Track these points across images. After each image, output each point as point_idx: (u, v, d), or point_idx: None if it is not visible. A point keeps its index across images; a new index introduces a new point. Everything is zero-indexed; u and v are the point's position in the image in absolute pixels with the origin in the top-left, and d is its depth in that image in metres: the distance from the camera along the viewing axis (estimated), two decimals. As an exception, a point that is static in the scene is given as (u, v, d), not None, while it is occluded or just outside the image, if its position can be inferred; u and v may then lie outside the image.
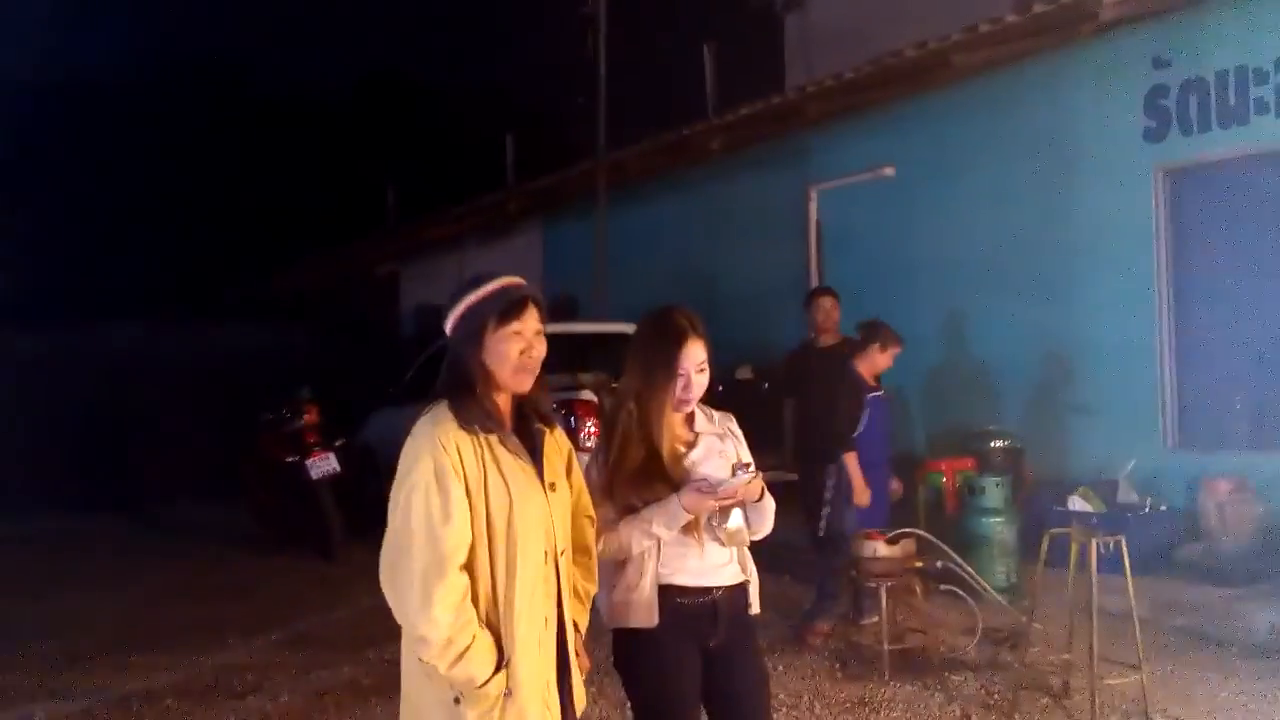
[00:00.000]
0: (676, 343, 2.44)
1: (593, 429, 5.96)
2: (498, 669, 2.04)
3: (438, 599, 1.97)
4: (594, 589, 2.39)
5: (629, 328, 2.62)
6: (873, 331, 5.57)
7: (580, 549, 2.34)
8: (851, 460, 5.33)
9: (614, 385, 2.64)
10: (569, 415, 6.06)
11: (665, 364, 2.44)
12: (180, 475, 11.37)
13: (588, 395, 6.25)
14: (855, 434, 5.41)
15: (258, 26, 19.72)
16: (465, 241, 14.81)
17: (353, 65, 21.04)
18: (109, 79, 18.95)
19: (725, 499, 2.38)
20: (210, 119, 20.22)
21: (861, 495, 5.34)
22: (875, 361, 5.55)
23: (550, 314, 2.21)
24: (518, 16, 17.66)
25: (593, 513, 2.38)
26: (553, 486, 2.17)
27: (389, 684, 2.23)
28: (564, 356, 6.01)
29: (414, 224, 16.06)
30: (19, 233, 17.93)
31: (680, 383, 2.45)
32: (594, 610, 2.48)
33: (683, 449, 2.50)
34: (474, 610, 2.03)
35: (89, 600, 7.04)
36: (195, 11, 19.97)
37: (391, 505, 2.06)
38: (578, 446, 5.91)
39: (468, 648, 2.00)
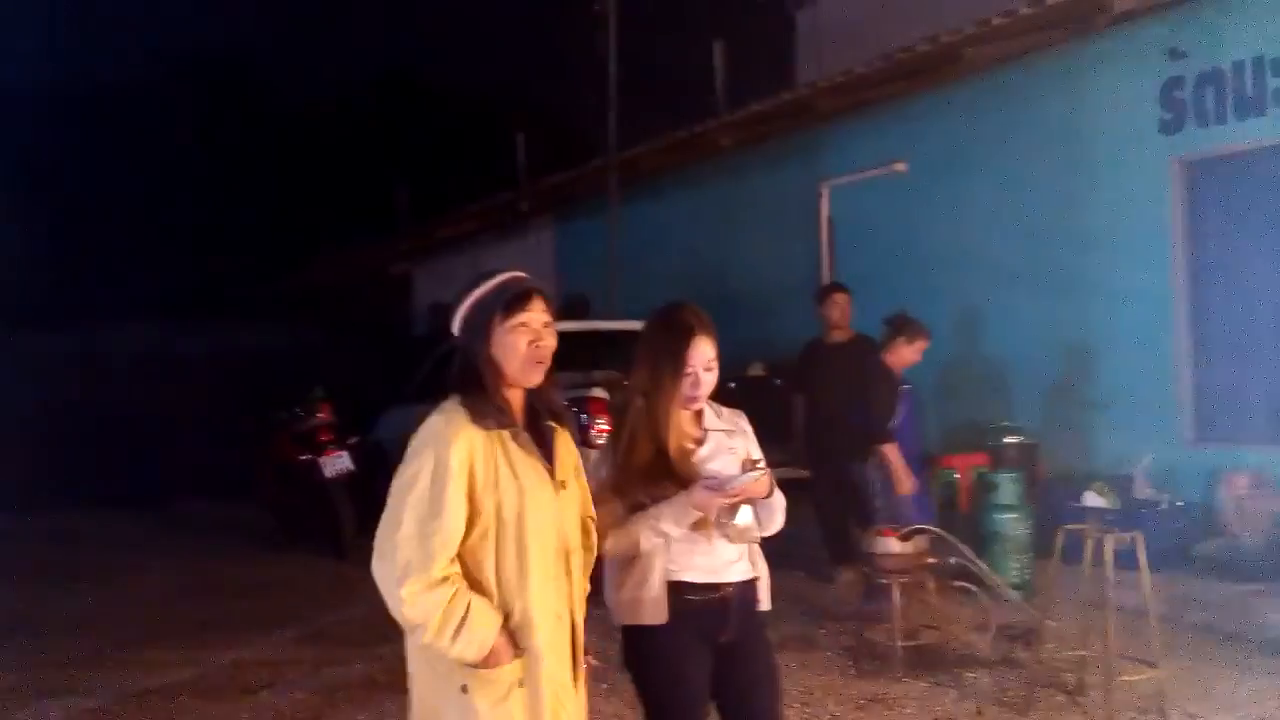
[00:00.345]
0: (684, 340, 2.44)
1: (604, 426, 5.95)
2: (513, 655, 2.04)
3: (420, 589, 1.98)
4: (588, 587, 2.39)
5: (641, 325, 2.63)
6: (899, 325, 5.57)
7: (580, 548, 2.33)
8: (893, 451, 5.36)
9: (625, 383, 2.67)
10: (581, 413, 6.05)
11: (673, 361, 2.43)
12: (195, 473, 11.44)
13: (600, 393, 6.24)
14: (891, 426, 5.44)
15: (271, 27, 19.77)
16: (478, 241, 14.84)
17: (364, 66, 21.06)
18: (122, 80, 19.05)
19: (734, 496, 2.37)
20: (224, 120, 20.31)
21: (906, 484, 5.37)
22: (902, 355, 5.56)
23: (563, 312, 2.22)
24: (528, 15, 17.67)
25: (593, 512, 2.38)
26: (563, 484, 2.18)
27: (402, 680, 2.23)
28: (576, 354, 5.99)
29: (426, 224, 16.11)
30: (36, 235, 18.06)
31: (688, 380, 2.44)
32: (605, 608, 2.49)
33: (691, 446, 2.49)
34: (460, 583, 2.02)
35: (104, 596, 7.10)
36: (208, 12, 20.04)
37: (393, 496, 2.07)
38: (589, 444, 5.91)
39: (464, 617, 1.99)
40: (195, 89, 20.19)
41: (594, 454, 2.57)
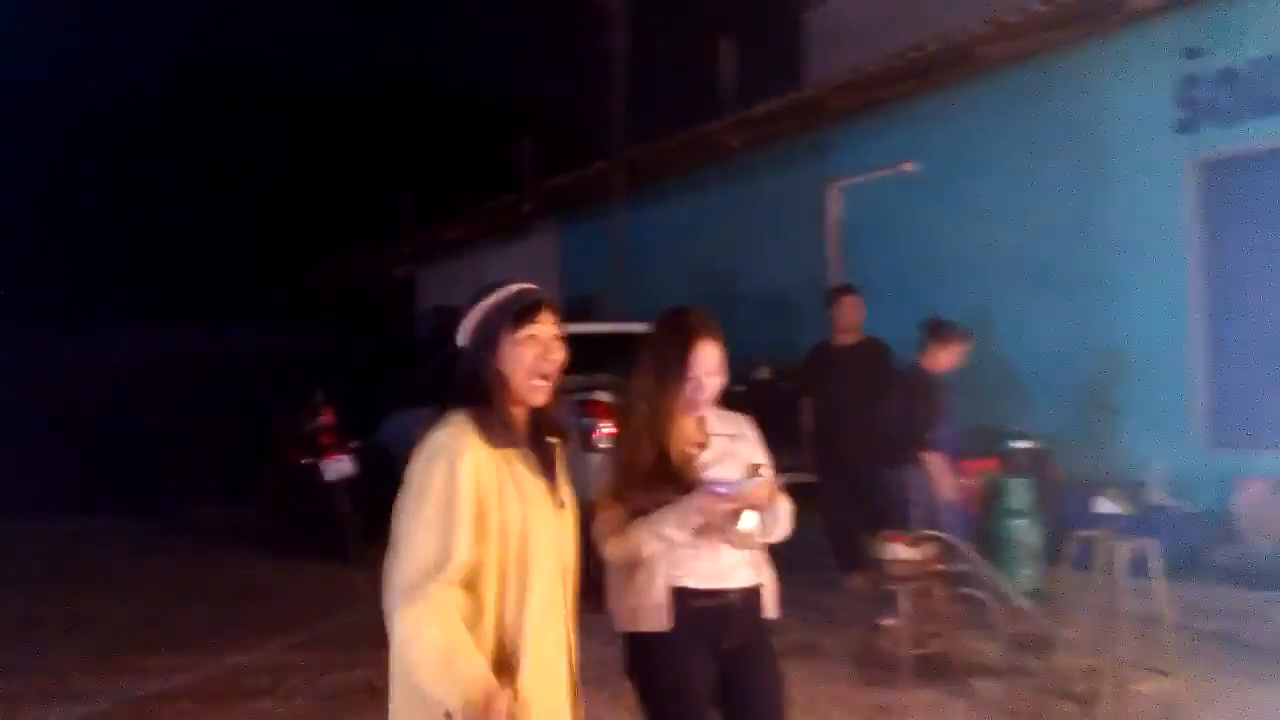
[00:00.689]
0: (688, 344, 2.43)
1: (606, 429, 5.89)
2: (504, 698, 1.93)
3: (418, 618, 1.90)
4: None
5: (646, 328, 2.62)
6: (933, 329, 5.53)
7: (577, 570, 2.27)
8: (934, 459, 5.28)
9: (628, 386, 2.67)
10: (583, 416, 5.99)
11: (677, 366, 2.43)
12: (197, 477, 11.41)
13: (602, 396, 6.18)
14: (935, 432, 5.36)
15: (273, 29, 19.79)
16: (481, 243, 14.81)
17: (366, 67, 21.05)
18: (126, 82, 19.08)
19: (736, 501, 2.35)
20: (225, 122, 20.33)
21: (949, 491, 5.29)
22: (937, 359, 5.49)
23: (566, 315, 2.17)
24: (533, 15, 17.65)
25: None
26: (562, 504, 2.12)
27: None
28: (579, 357, 5.94)
29: (429, 226, 16.09)
30: (40, 237, 18.11)
31: (691, 385, 2.44)
32: (607, 614, 2.45)
33: (694, 451, 2.47)
34: (459, 619, 1.93)
35: (106, 601, 7.06)
36: (210, 14, 20.08)
37: (398, 516, 1.98)
38: (590, 448, 5.85)
39: (455, 659, 1.89)
40: (198, 90, 20.21)
41: (596, 458, 2.52)
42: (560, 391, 2.13)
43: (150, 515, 10.71)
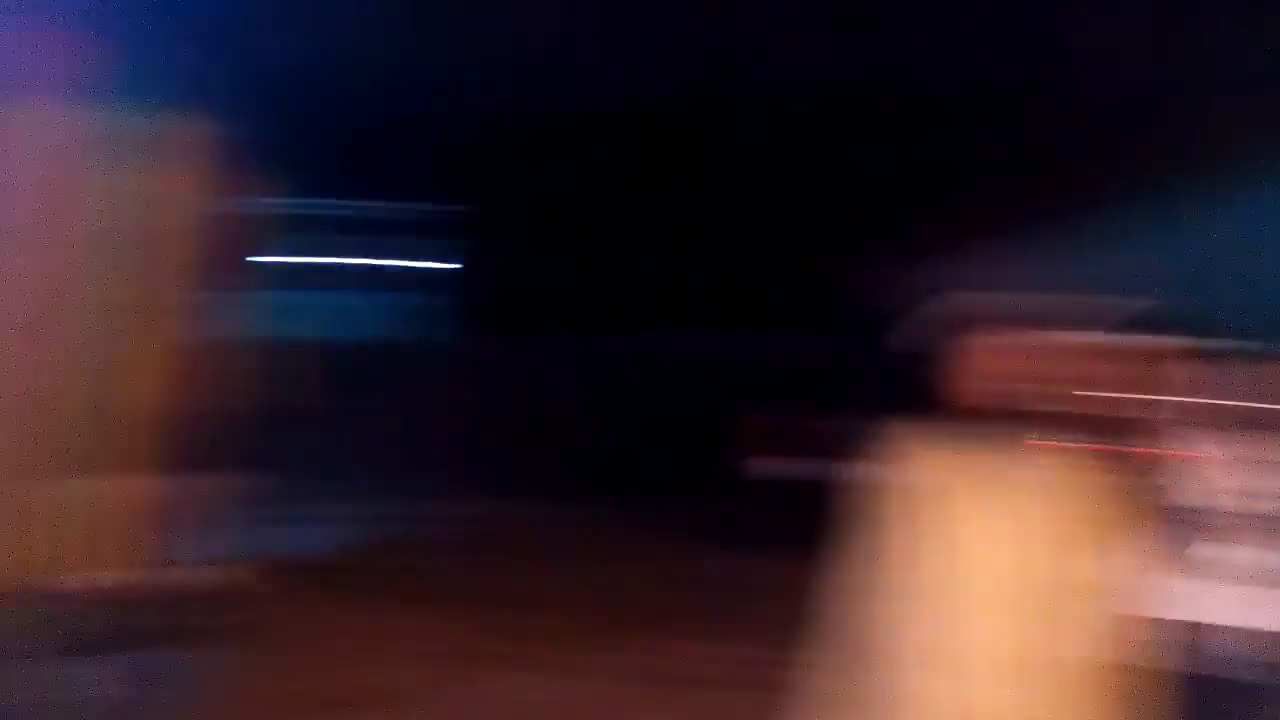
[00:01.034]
0: (1174, 364, 2.47)
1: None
2: None
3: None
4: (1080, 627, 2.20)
5: (1182, 343, 2.59)
6: None
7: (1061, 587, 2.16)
8: None
9: (1147, 404, 2.57)
10: (1095, 436, 5.26)
11: (1178, 385, 2.46)
12: (684, 470, 12.03)
13: (1123, 413, 5.38)
14: None
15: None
16: (995, 244, 13.95)
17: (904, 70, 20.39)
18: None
19: (1212, 528, 2.28)
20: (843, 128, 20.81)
21: None
22: None
23: (1085, 324, 2.21)
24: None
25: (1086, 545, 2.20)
26: (1040, 518, 2.07)
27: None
28: (1108, 371, 5.33)
29: (943, 229, 15.61)
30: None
31: (1181, 406, 2.44)
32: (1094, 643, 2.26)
33: (1188, 474, 2.39)
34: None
35: (575, 579, 7.54)
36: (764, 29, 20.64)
37: (892, 536, 2.08)
38: (1099, 470, 5.09)
39: None
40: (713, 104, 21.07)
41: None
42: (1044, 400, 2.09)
43: (631, 506, 11.11)
